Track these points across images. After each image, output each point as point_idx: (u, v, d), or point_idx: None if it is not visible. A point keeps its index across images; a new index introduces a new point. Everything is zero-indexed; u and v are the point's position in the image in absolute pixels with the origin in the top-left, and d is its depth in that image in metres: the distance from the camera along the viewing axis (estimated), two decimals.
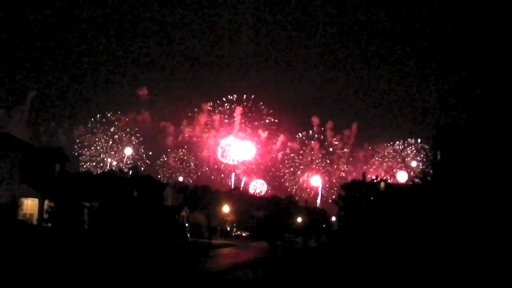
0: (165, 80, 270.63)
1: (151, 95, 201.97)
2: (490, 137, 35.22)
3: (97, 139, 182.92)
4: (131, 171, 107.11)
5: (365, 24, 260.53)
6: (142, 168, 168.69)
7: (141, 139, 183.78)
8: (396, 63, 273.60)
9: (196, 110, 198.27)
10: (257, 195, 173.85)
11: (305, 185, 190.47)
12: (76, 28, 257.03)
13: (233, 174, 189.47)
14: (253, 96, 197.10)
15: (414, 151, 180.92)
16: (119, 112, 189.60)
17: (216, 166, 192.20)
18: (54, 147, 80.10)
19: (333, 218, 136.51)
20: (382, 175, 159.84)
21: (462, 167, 35.24)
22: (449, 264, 29.68)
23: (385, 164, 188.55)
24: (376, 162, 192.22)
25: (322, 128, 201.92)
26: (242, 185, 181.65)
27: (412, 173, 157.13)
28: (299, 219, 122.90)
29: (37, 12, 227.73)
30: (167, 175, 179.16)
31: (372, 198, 57.11)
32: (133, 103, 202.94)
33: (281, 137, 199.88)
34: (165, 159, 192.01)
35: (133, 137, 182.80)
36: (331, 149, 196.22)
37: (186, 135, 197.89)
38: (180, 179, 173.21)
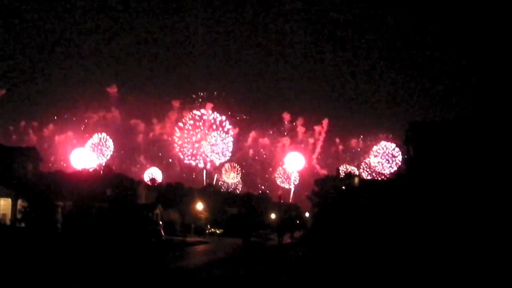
0: (134, 77, 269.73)
1: (121, 93, 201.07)
2: (462, 133, 35.72)
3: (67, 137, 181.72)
4: (103, 169, 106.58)
5: (337, 22, 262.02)
6: (114, 167, 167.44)
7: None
8: (366, 58, 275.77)
9: (166, 107, 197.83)
10: (231, 188, 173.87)
11: (279, 180, 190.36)
12: (44, 27, 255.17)
13: (204, 172, 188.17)
14: (223, 93, 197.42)
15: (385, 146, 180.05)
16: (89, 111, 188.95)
17: (187, 163, 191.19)
18: (27, 147, 79.52)
19: (307, 214, 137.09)
20: (356, 170, 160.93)
21: (435, 163, 35.68)
22: (422, 258, 30.05)
23: (356, 159, 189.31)
24: (347, 158, 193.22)
25: (294, 124, 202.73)
26: (214, 182, 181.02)
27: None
28: (273, 216, 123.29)
29: (5, 12, 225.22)
30: (140, 173, 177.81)
31: (346, 194, 57.46)
32: (103, 101, 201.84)
33: (252, 134, 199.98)
34: (137, 157, 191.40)
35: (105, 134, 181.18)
36: (302, 146, 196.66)
37: (157, 133, 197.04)
38: (153, 176, 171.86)
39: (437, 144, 36.94)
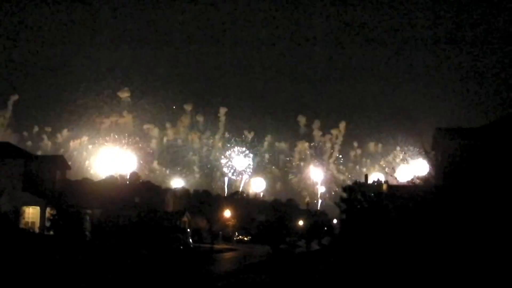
0: (146, 81, 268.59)
1: (133, 97, 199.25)
2: (491, 138, 35.10)
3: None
4: (131, 177, 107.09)
5: (357, 25, 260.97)
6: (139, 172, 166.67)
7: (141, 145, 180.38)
8: (384, 59, 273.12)
9: (178, 111, 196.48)
10: (258, 196, 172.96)
11: (306, 185, 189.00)
12: (56, 31, 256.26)
13: (226, 179, 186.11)
14: (237, 97, 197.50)
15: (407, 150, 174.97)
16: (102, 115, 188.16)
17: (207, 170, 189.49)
18: (54, 155, 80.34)
19: (335, 221, 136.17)
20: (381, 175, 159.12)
21: (465, 169, 34.99)
22: (454, 268, 29.46)
23: (377, 164, 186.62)
24: (368, 162, 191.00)
25: (312, 125, 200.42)
26: (241, 188, 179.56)
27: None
28: (301, 222, 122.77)
29: (17, 16, 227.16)
30: (164, 180, 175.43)
31: (374, 200, 56.80)
32: (115, 106, 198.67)
33: (268, 138, 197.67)
34: (151, 163, 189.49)
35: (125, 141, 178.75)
36: (318, 147, 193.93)
37: (171, 138, 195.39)
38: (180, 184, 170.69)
39: (467, 148, 36.34)
